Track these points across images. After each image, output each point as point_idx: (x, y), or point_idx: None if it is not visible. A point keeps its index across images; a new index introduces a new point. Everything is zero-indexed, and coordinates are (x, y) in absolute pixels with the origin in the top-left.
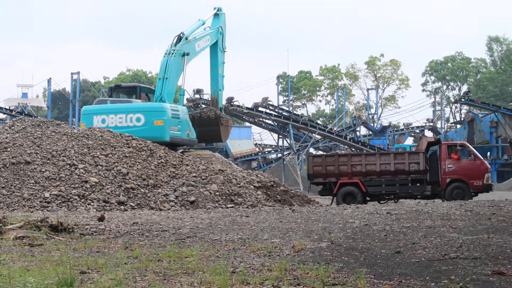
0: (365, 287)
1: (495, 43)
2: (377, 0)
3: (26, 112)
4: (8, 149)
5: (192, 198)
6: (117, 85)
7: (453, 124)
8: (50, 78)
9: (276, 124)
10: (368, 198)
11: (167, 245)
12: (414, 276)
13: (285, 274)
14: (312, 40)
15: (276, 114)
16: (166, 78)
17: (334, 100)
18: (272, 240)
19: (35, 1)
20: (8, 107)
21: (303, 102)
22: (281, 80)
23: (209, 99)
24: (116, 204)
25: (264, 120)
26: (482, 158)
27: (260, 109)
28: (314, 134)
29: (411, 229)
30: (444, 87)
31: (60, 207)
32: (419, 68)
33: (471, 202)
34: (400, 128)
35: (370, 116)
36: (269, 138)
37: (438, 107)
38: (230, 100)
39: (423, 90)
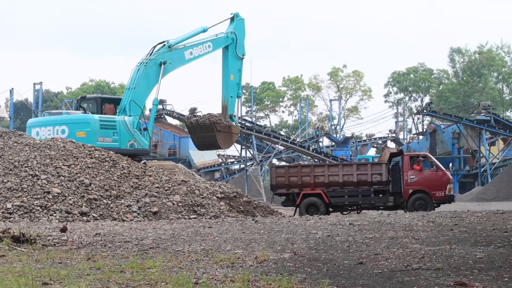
0: None
1: (457, 54)
2: (340, 11)
3: None
4: None
5: (155, 209)
6: (82, 97)
7: (416, 135)
8: (12, 88)
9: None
10: (331, 209)
11: (130, 256)
12: (377, 287)
13: (248, 285)
14: (275, 51)
15: (239, 124)
16: (133, 88)
17: (297, 111)
18: (235, 251)
19: None
20: None
21: (266, 113)
22: (244, 90)
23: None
24: (78, 215)
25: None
26: (444, 169)
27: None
28: (277, 145)
29: (374, 240)
30: (407, 98)
31: (22, 218)
32: (382, 79)
33: (433, 213)
34: (363, 139)
35: (333, 127)
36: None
37: (400, 118)
38: (193, 111)
39: (386, 101)
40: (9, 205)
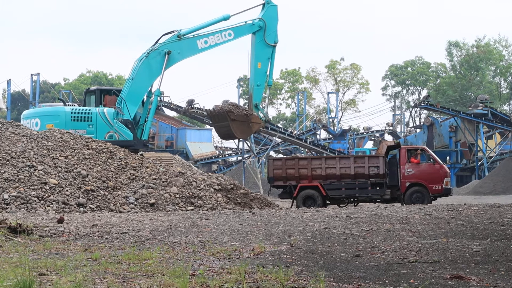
0: None
1: (455, 48)
2: (338, 4)
3: None
4: None
5: (152, 201)
6: (86, 90)
7: (413, 128)
8: (9, 79)
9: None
10: (328, 202)
11: (127, 248)
12: (373, 280)
13: (245, 277)
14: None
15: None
16: (132, 79)
17: (295, 103)
18: (232, 243)
19: None
20: None
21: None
22: (241, 83)
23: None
24: (75, 206)
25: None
26: (441, 163)
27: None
28: (274, 137)
29: (371, 233)
30: (404, 91)
31: (19, 209)
32: (379, 72)
33: (430, 206)
34: (360, 132)
35: (330, 120)
36: (229, 141)
37: (398, 111)
38: (190, 102)
39: (383, 94)
40: (6, 196)
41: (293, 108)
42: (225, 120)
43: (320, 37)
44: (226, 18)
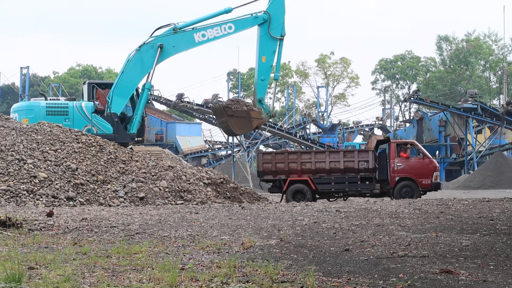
0: (313, 284)
1: (445, 42)
2: None
3: None
4: None
5: (142, 194)
6: (83, 83)
7: (402, 123)
8: None
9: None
10: (317, 196)
11: (116, 241)
12: (363, 274)
13: (234, 271)
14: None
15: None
16: (122, 73)
17: (284, 97)
18: (222, 237)
19: None
20: None
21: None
22: (231, 77)
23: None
24: (65, 199)
25: (214, 116)
26: (431, 157)
27: (210, 105)
28: (264, 131)
29: (360, 227)
30: (394, 85)
31: (9, 202)
32: (369, 66)
33: (420, 200)
34: (350, 126)
35: (320, 114)
36: (219, 135)
37: (387, 106)
38: (180, 96)
39: (373, 89)
40: None
41: (282, 102)
42: (223, 115)
43: (309, 31)
44: (228, 11)
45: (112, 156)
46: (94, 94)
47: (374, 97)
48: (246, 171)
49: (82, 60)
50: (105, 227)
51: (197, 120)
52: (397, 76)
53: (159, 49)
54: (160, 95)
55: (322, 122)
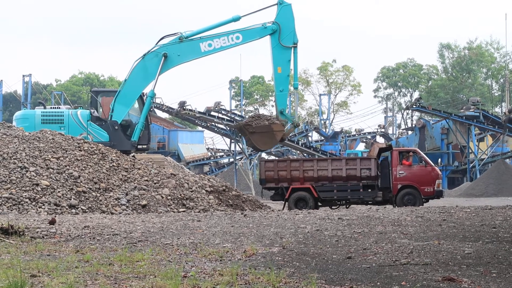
0: None
1: (447, 50)
2: (330, 5)
3: None
4: None
5: (144, 202)
6: (90, 91)
7: (405, 131)
8: (1, 80)
9: (228, 128)
10: (319, 204)
11: (119, 249)
12: (365, 282)
13: (237, 279)
14: (265, 45)
15: (229, 118)
16: (125, 81)
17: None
18: (224, 245)
19: None
20: None
21: (255, 107)
22: (233, 84)
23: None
24: (67, 207)
25: (216, 124)
26: (433, 165)
27: (212, 113)
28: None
29: (362, 235)
30: (396, 93)
31: (11, 210)
32: (371, 74)
33: (422, 208)
34: (352, 134)
35: (322, 122)
36: (221, 143)
37: (389, 113)
38: (182, 104)
39: (375, 96)
40: None
41: None
42: (245, 134)
43: (312, 39)
44: (236, 19)
45: (114, 164)
46: (97, 101)
47: (376, 105)
48: (248, 179)
49: (84, 68)
50: (107, 235)
51: (199, 128)
52: (399, 84)
53: (163, 58)
54: (162, 102)
55: (324, 130)
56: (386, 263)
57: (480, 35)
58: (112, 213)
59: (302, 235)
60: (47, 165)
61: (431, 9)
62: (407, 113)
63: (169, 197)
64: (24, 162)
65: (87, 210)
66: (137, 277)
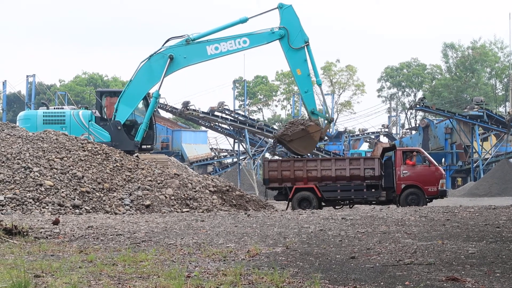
0: None
1: (451, 49)
2: (333, 5)
3: None
4: None
5: (148, 202)
6: (96, 91)
7: (408, 130)
8: (5, 81)
9: (232, 128)
10: (323, 203)
11: (122, 249)
12: (369, 282)
13: (240, 279)
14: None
15: (232, 118)
16: (130, 81)
17: (290, 105)
18: (227, 245)
19: None
20: None
21: (259, 107)
22: (237, 84)
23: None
24: (71, 207)
25: (220, 124)
26: (436, 164)
27: (216, 113)
28: (270, 139)
29: (366, 235)
30: (400, 93)
31: (15, 210)
32: (375, 74)
33: (426, 208)
34: (356, 133)
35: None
36: (225, 143)
37: (393, 113)
38: (186, 104)
39: (379, 96)
40: (1, 197)
41: (288, 110)
42: (284, 144)
43: (315, 39)
44: (243, 21)
45: (118, 164)
46: (102, 102)
47: (380, 104)
48: (252, 179)
49: (88, 68)
50: (111, 235)
51: (203, 128)
52: (403, 83)
53: (169, 59)
54: (166, 103)
55: (328, 131)
56: (390, 263)
57: (484, 34)
58: (115, 213)
59: (305, 235)
60: (50, 166)
61: (435, 9)
62: (411, 113)
63: (172, 197)
64: (28, 163)
65: (90, 210)
66: (140, 277)
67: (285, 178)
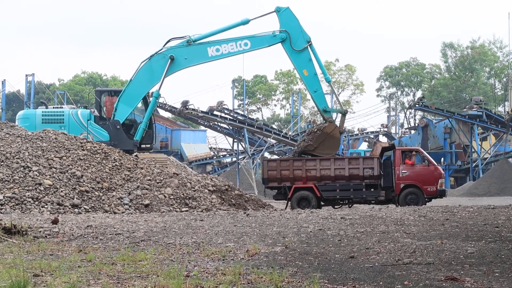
0: None
1: (450, 49)
2: (332, 5)
3: None
4: None
5: (147, 202)
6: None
7: (408, 130)
8: (4, 80)
9: (231, 128)
10: (322, 203)
11: (121, 249)
12: (368, 281)
13: (239, 279)
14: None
15: (231, 118)
16: (130, 81)
17: (289, 104)
18: (227, 244)
19: None
20: None
21: (258, 106)
22: (236, 84)
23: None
24: (70, 207)
25: (219, 124)
26: (436, 164)
27: (215, 113)
28: (269, 139)
29: (365, 234)
30: (399, 92)
31: (14, 210)
32: (374, 73)
33: (425, 207)
34: (355, 133)
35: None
36: (224, 142)
37: (392, 113)
38: (185, 103)
39: (378, 96)
40: (0, 197)
41: (287, 109)
42: (311, 152)
43: (314, 39)
44: (245, 23)
45: (117, 164)
46: (101, 101)
47: (379, 104)
48: (251, 178)
49: (87, 67)
50: (110, 234)
51: (202, 127)
52: (402, 83)
53: (169, 60)
54: (165, 102)
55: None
56: (389, 262)
57: (483, 34)
58: (115, 213)
59: (304, 235)
60: (50, 165)
61: (434, 8)
62: (410, 112)
63: (171, 197)
64: (27, 162)
65: (90, 210)
66: (139, 276)
67: (284, 178)
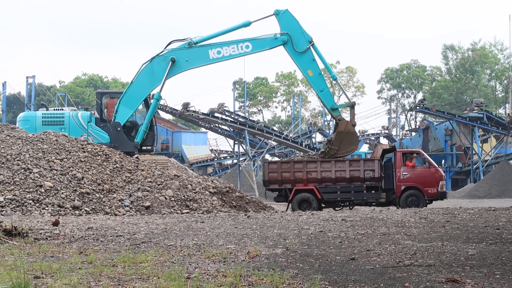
0: None
1: (450, 51)
2: (333, 6)
3: None
4: None
5: (147, 203)
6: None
7: (408, 132)
8: (5, 82)
9: (232, 130)
10: (323, 205)
11: (122, 250)
12: (369, 283)
13: (240, 280)
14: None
15: (232, 120)
16: (131, 83)
17: (290, 106)
18: (227, 246)
19: None
20: None
21: (259, 108)
22: (237, 86)
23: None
24: (70, 208)
25: (220, 126)
26: (436, 166)
27: (216, 114)
28: (270, 141)
29: (366, 236)
30: (400, 94)
31: (14, 211)
32: (375, 75)
33: (426, 209)
34: None
35: (326, 123)
36: (225, 144)
37: (393, 115)
38: (186, 105)
39: (379, 98)
40: (1, 199)
41: (288, 111)
42: (337, 156)
43: (315, 40)
44: (246, 25)
45: (118, 165)
46: (102, 103)
47: (380, 106)
48: (252, 180)
49: (88, 69)
50: (111, 236)
51: (203, 129)
52: (403, 85)
53: (171, 62)
54: (165, 104)
55: (328, 131)
56: (390, 264)
57: (484, 36)
58: (115, 215)
59: (305, 237)
60: (50, 167)
61: (435, 10)
62: (411, 115)
63: (172, 199)
64: (28, 164)
65: (90, 212)
66: (140, 278)
67: (285, 180)
